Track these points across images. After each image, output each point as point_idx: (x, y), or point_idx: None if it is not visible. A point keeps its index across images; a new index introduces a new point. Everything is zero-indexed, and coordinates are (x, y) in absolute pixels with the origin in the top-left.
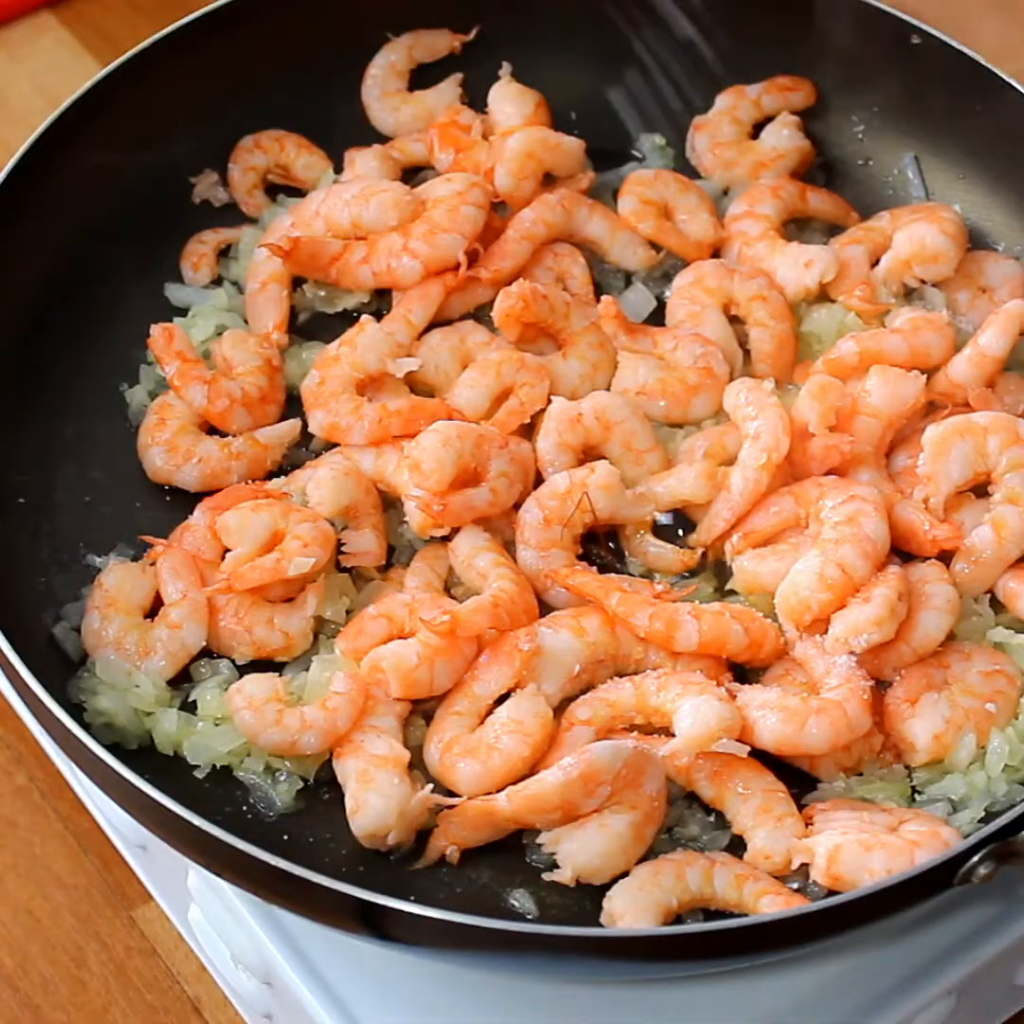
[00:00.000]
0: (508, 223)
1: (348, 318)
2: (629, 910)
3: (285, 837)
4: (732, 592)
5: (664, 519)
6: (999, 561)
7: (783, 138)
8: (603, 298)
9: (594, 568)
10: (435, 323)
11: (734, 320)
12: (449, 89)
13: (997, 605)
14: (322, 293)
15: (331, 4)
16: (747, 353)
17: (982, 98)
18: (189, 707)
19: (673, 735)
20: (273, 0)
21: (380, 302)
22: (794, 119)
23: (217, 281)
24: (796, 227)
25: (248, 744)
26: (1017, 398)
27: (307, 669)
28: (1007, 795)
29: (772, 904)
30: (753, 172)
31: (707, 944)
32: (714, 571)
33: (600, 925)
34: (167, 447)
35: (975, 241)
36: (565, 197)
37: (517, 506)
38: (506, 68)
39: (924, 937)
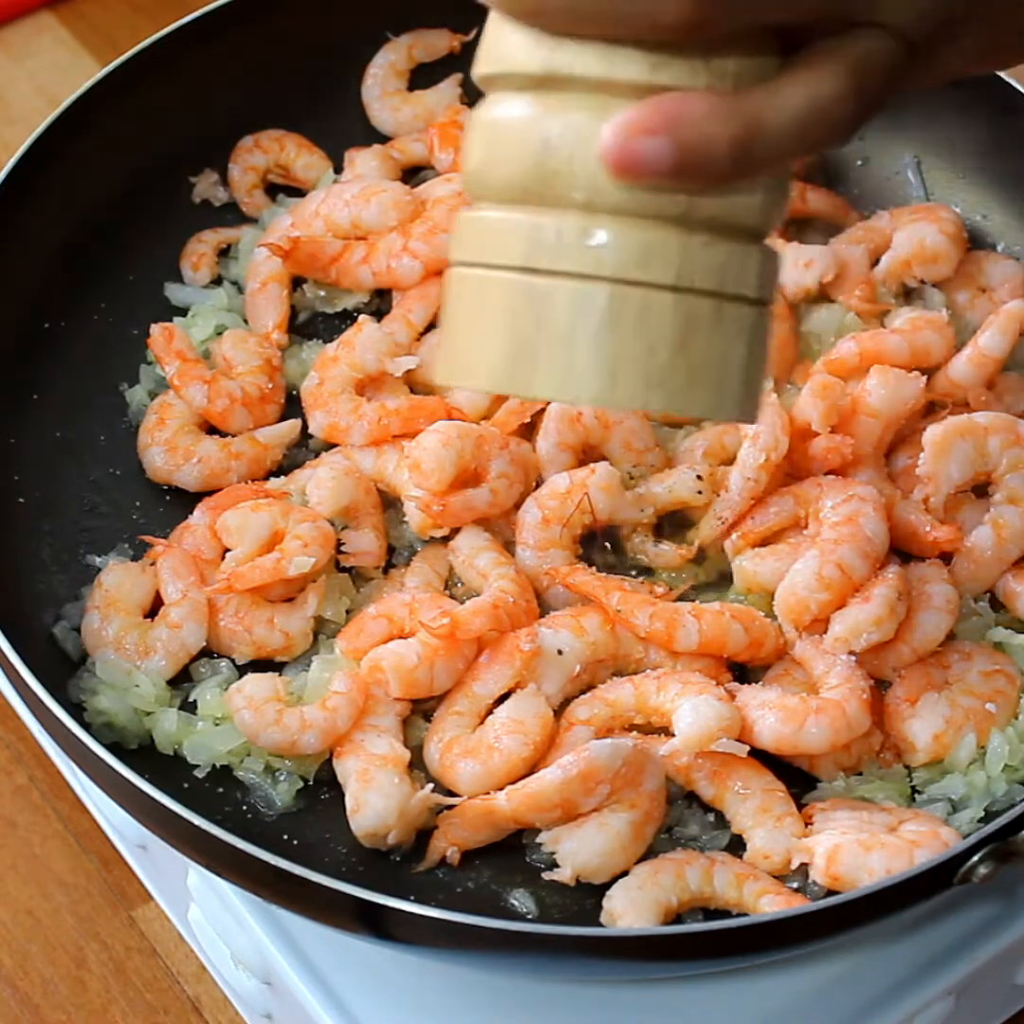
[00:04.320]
0: None
1: (348, 318)
2: (629, 909)
3: (285, 837)
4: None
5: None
6: (999, 561)
7: None
8: None
9: (593, 568)
10: (435, 323)
11: None
12: (449, 89)
13: (997, 605)
14: (322, 293)
15: (331, 4)
16: None
17: (982, 98)
18: (189, 707)
19: (673, 735)
20: (273, 0)
21: (380, 302)
22: None
23: (217, 281)
24: (796, 227)
25: (248, 744)
26: (1017, 398)
27: (307, 669)
28: (1007, 795)
29: (772, 904)
30: None
31: (707, 944)
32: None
33: (600, 925)
34: (167, 447)
35: (975, 241)
36: None
37: (518, 506)
38: None
39: (924, 937)
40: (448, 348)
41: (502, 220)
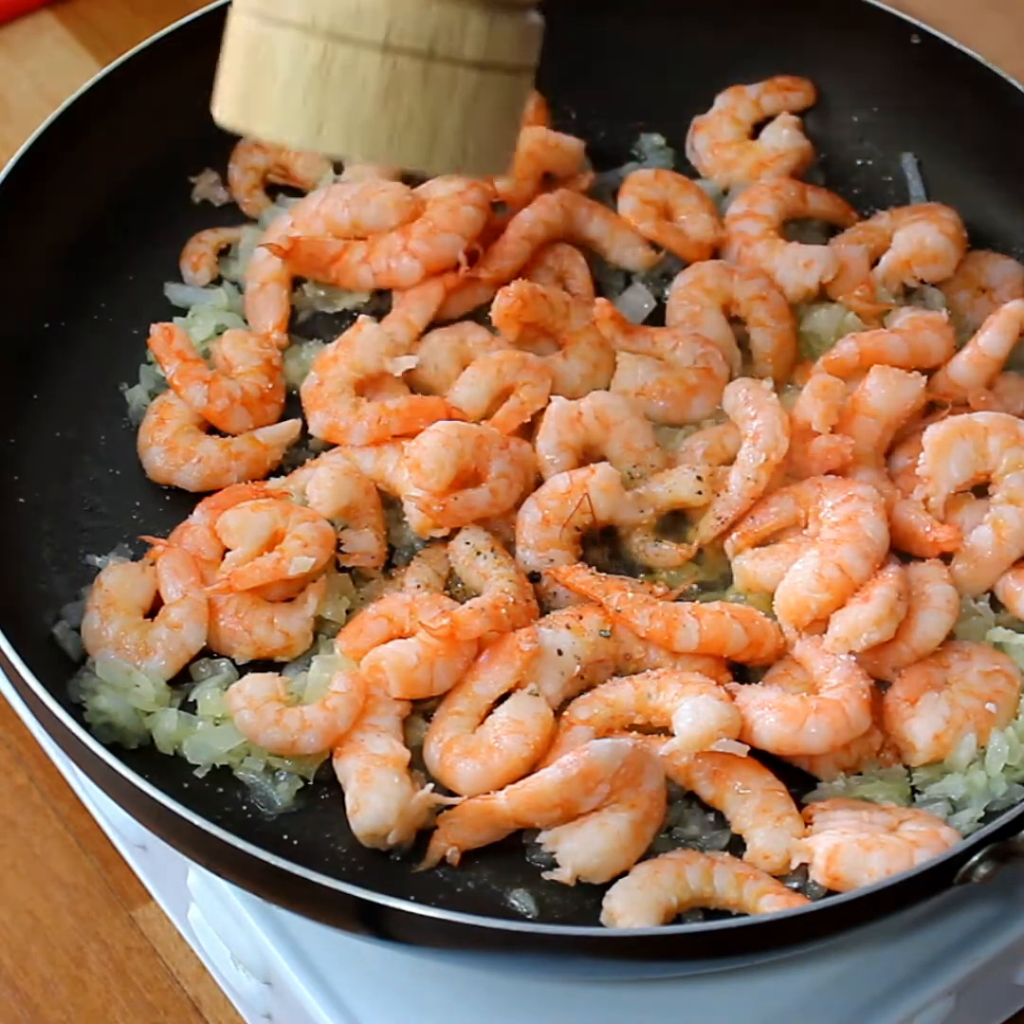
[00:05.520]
0: (508, 223)
1: (348, 318)
2: (629, 909)
3: (285, 837)
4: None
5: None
6: (999, 561)
7: (783, 138)
8: (597, 301)
9: (593, 568)
10: (435, 323)
11: (734, 320)
12: None
13: (997, 605)
14: (322, 293)
15: None
16: (747, 353)
17: (982, 98)
18: (189, 707)
19: (673, 735)
20: None
21: (380, 302)
22: (794, 119)
23: (217, 281)
24: (796, 227)
25: (248, 744)
26: (1017, 398)
27: (307, 669)
28: (1007, 795)
29: (772, 904)
30: (753, 172)
31: (707, 944)
32: (706, 568)
33: (600, 925)
34: (167, 447)
35: (975, 241)
36: (565, 197)
37: (518, 506)
38: None
39: (924, 937)
40: (218, 81)
41: None
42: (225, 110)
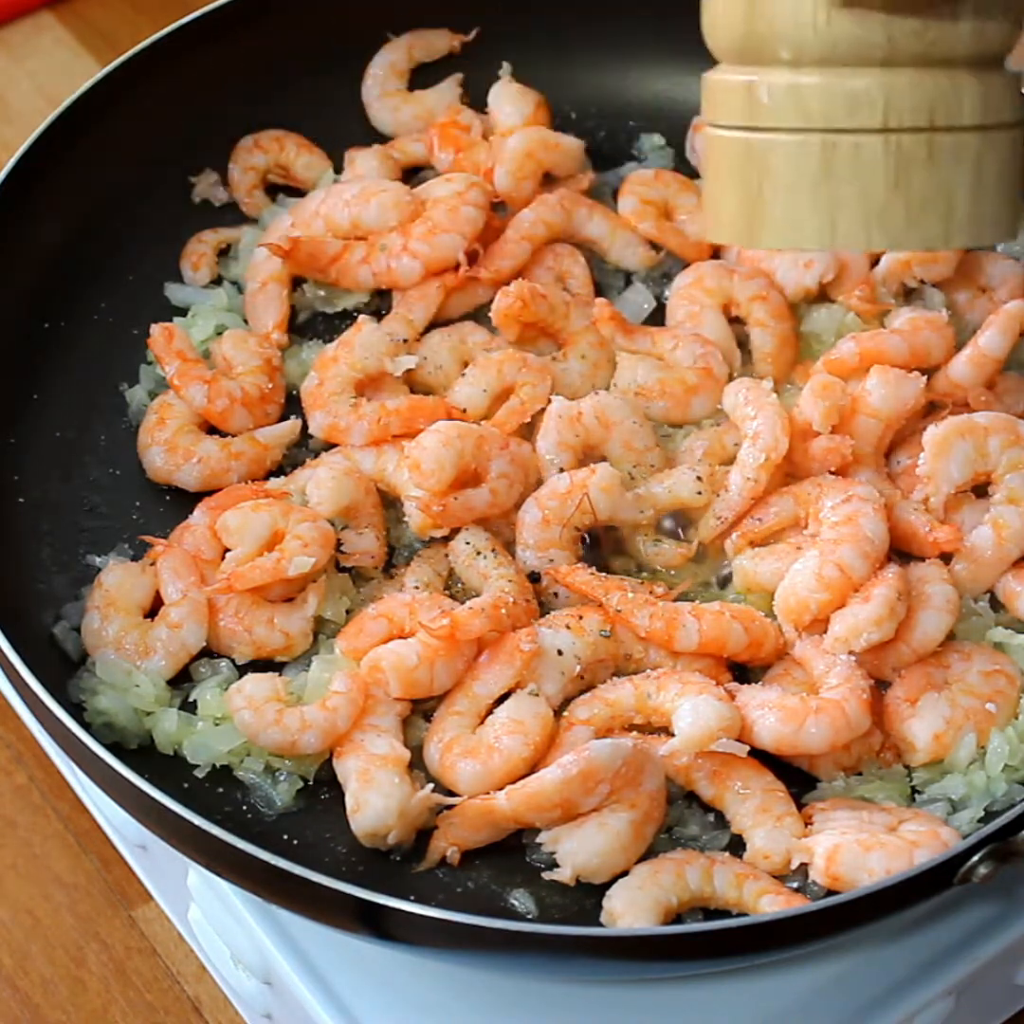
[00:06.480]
0: (508, 223)
1: (348, 318)
2: (629, 909)
3: (285, 837)
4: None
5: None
6: (999, 561)
7: None
8: (597, 301)
9: (593, 568)
10: (435, 323)
11: (734, 320)
12: (449, 89)
13: (997, 605)
14: (322, 293)
15: (331, 4)
16: (746, 353)
17: None
18: (189, 707)
19: (673, 735)
20: (273, 0)
21: (380, 302)
22: None
23: (217, 281)
24: None
25: (248, 744)
26: (1017, 398)
27: (307, 669)
28: (1007, 795)
29: (772, 903)
30: None
31: (707, 944)
32: (710, 568)
33: (600, 925)
34: (167, 447)
35: None
36: (565, 197)
37: (518, 506)
38: (506, 68)
39: (924, 937)
40: (704, 206)
41: (724, 81)
42: (724, 231)
